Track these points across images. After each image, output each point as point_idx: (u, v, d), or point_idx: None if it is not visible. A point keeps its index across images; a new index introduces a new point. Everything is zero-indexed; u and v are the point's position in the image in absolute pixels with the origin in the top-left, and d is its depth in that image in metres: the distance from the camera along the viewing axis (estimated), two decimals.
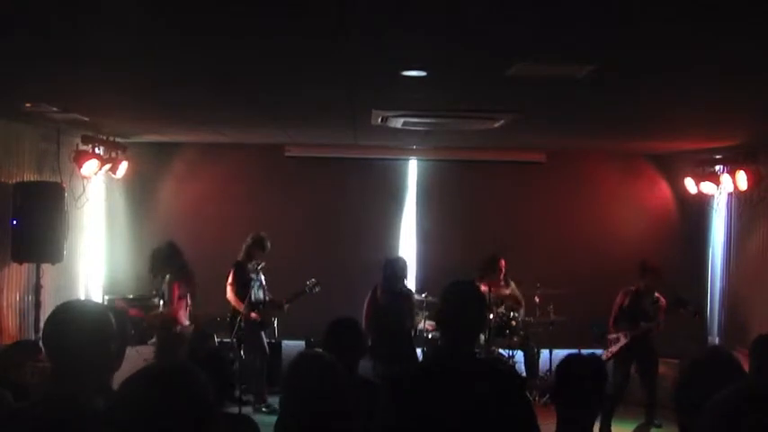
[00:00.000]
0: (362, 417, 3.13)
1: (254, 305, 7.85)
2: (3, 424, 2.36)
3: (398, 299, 7.41)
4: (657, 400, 7.48)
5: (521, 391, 3.22)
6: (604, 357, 7.43)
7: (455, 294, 3.18)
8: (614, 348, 7.48)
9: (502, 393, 3.01)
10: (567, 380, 2.94)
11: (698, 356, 2.61)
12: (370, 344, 7.39)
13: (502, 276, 8.42)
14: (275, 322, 8.20)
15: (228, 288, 7.93)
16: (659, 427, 7.50)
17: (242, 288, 7.90)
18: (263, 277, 8.02)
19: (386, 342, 7.10)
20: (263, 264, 7.97)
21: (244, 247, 8.04)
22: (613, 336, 7.57)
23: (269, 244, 8.03)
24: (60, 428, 2.16)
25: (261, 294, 8.00)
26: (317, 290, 8.04)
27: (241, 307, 7.83)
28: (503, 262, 8.38)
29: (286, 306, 8.03)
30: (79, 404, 2.19)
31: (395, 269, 7.48)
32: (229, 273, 8.00)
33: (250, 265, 7.97)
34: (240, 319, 7.53)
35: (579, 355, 3.13)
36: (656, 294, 7.56)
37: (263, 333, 8.04)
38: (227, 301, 8.00)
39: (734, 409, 1.64)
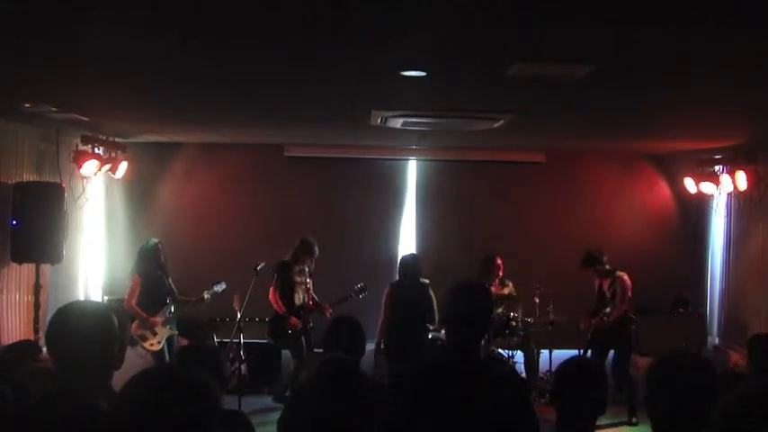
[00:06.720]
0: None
1: (296, 310, 7.80)
2: (4, 424, 2.36)
3: (418, 291, 7.48)
4: (637, 397, 7.49)
5: (522, 392, 3.21)
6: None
7: (461, 294, 3.17)
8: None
9: (503, 394, 3.01)
10: (565, 384, 2.93)
11: (664, 356, 2.57)
12: (385, 337, 7.47)
13: (500, 275, 8.41)
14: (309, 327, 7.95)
15: (270, 289, 7.81)
16: (635, 425, 7.48)
17: (284, 291, 7.81)
18: (309, 281, 7.92)
19: (404, 334, 7.26)
20: (307, 268, 7.89)
21: (292, 249, 7.91)
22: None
23: (317, 249, 7.91)
24: (62, 429, 2.16)
25: (304, 299, 7.89)
26: (363, 295, 7.86)
27: (281, 309, 7.78)
28: (499, 260, 8.37)
29: (329, 311, 7.80)
30: (81, 404, 2.19)
31: (416, 264, 7.65)
32: (273, 274, 7.84)
33: (297, 269, 7.87)
34: (239, 321, 7.40)
35: (578, 358, 3.12)
36: (617, 274, 7.84)
37: (303, 337, 7.84)
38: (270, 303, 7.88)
39: (738, 412, 1.63)
